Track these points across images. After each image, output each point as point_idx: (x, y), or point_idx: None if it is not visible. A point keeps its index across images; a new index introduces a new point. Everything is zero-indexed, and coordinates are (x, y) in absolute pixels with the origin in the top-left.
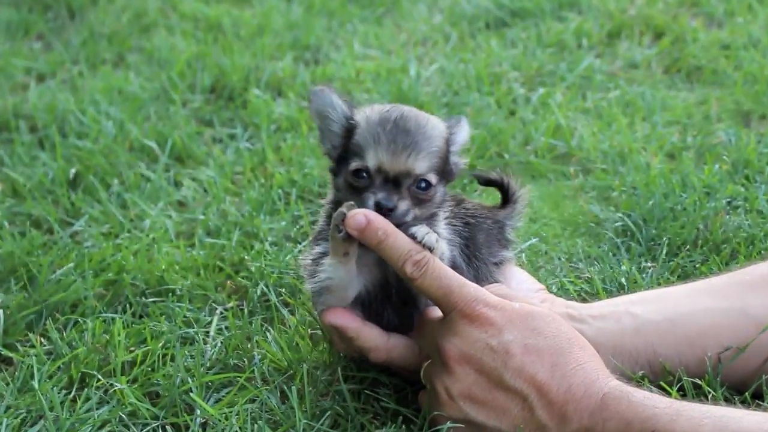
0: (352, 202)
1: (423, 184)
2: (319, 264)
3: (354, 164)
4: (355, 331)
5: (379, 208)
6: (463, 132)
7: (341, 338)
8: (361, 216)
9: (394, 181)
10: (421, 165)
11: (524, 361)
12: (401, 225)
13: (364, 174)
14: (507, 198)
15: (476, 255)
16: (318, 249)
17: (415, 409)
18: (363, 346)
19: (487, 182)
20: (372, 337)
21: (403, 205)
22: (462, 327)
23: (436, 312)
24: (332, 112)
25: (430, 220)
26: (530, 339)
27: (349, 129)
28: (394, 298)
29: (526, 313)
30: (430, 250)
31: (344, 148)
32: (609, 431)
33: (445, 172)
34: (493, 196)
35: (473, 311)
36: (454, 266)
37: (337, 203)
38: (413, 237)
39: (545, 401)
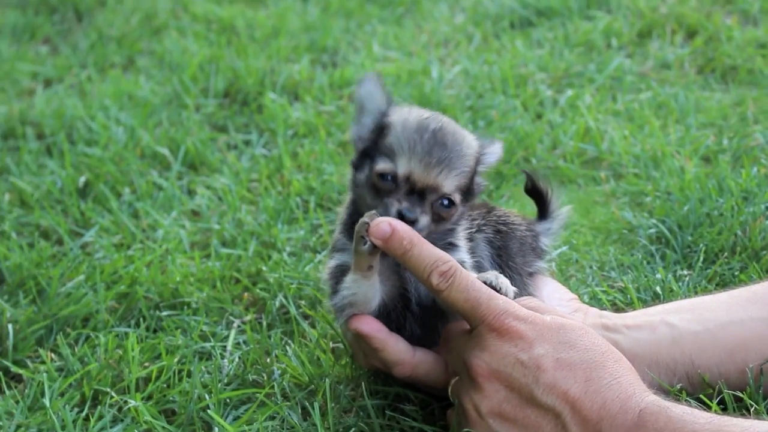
0: (374, 212)
1: (446, 202)
2: (339, 279)
3: (382, 165)
4: (381, 341)
5: (401, 218)
6: (495, 155)
7: (366, 349)
8: (386, 225)
9: (419, 193)
10: (450, 183)
11: (556, 376)
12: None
13: (390, 178)
14: (544, 214)
15: (509, 265)
16: (334, 261)
17: (442, 426)
18: (388, 359)
19: (533, 189)
20: (398, 350)
21: (424, 220)
22: (491, 341)
23: (463, 325)
24: (369, 103)
25: (448, 230)
26: (562, 353)
27: (381, 126)
28: (414, 308)
29: (558, 325)
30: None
31: (373, 144)
32: None
33: (469, 191)
34: (520, 205)
35: (502, 324)
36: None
37: (354, 206)
38: (490, 284)
39: (579, 418)
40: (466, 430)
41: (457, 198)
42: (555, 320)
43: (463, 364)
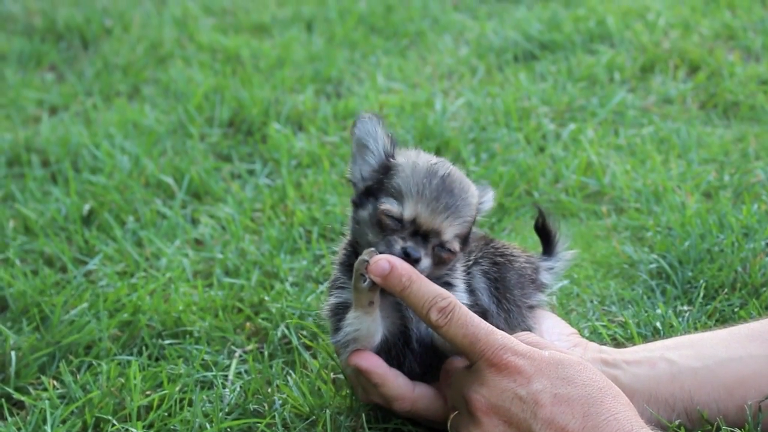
0: (372, 249)
1: (449, 248)
2: (340, 316)
3: (388, 205)
4: (381, 377)
5: (406, 256)
6: (489, 202)
7: (366, 384)
8: (384, 262)
9: (423, 236)
10: (453, 231)
11: (554, 411)
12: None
13: (396, 218)
14: (549, 252)
15: (507, 297)
16: (334, 299)
17: None
18: (388, 394)
19: (542, 227)
20: (397, 386)
21: (426, 262)
22: (489, 376)
23: (463, 361)
24: (372, 143)
25: (446, 272)
26: (560, 388)
27: (387, 167)
28: (414, 345)
29: (557, 361)
30: None
31: (378, 184)
32: None
33: (466, 239)
34: (522, 238)
35: (501, 360)
36: (483, 310)
37: (353, 245)
38: None
39: None
40: None
41: (456, 246)
42: (553, 355)
43: (463, 398)
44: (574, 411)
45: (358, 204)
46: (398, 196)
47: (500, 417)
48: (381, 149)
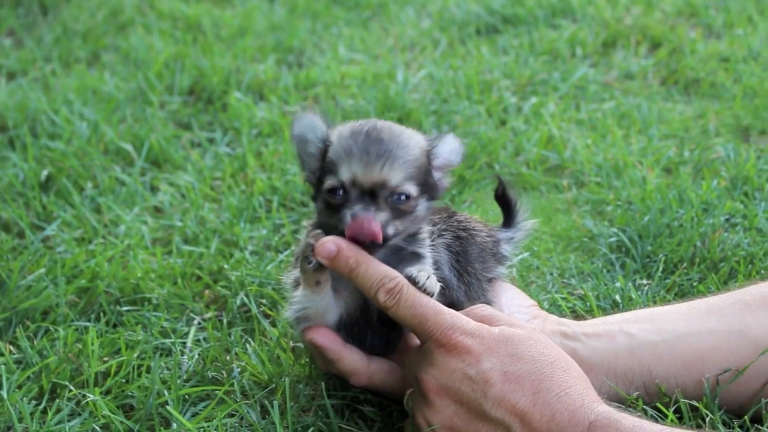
0: (319, 231)
1: (402, 196)
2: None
3: (328, 182)
4: (335, 352)
5: (357, 221)
6: (447, 146)
7: (322, 359)
8: (330, 244)
9: (370, 194)
10: (397, 174)
11: (504, 389)
12: (399, 264)
13: (340, 191)
14: (509, 222)
15: (468, 270)
16: (296, 273)
17: (399, 428)
18: (343, 369)
19: (502, 197)
20: (352, 361)
21: (383, 216)
22: (438, 357)
23: (416, 340)
24: (311, 135)
25: (413, 237)
26: (510, 366)
27: (325, 150)
28: (374, 321)
29: (506, 338)
30: (431, 295)
31: (320, 170)
32: None
33: (427, 185)
34: (483, 210)
35: (449, 340)
36: (444, 282)
37: (320, 227)
38: (413, 281)
39: (529, 430)
40: None
41: (411, 189)
42: (503, 332)
43: (415, 379)
44: (524, 388)
45: (315, 198)
46: (334, 168)
47: (451, 397)
48: (318, 136)
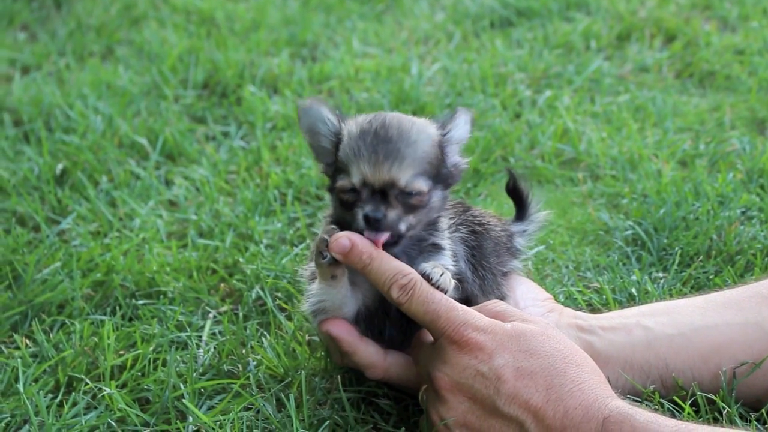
0: (333, 226)
1: (413, 193)
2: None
3: (340, 182)
4: (351, 345)
5: (368, 221)
6: (460, 128)
7: (338, 352)
8: (345, 239)
9: (381, 193)
10: (406, 174)
11: (517, 386)
12: (419, 255)
13: (351, 191)
14: (522, 215)
15: (483, 264)
16: (313, 266)
17: (415, 422)
18: (359, 362)
19: (513, 189)
20: (368, 354)
21: (393, 214)
22: (451, 354)
23: (429, 336)
24: (322, 127)
25: (431, 228)
26: (522, 362)
27: (337, 143)
28: (393, 313)
29: (519, 333)
30: (444, 292)
31: (334, 164)
32: None
33: (441, 175)
34: (498, 203)
35: (462, 337)
36: (460, 276)
37: (335, 219)
38: (427, 278)
39: (542, 427)
40: None
41: (421, 185)
42: (516, 328)
43: (428, 376)
44: (537, 384)
45: (331, 190)
46: (345, 169)
47: (464, 394)
48: (330, 129)
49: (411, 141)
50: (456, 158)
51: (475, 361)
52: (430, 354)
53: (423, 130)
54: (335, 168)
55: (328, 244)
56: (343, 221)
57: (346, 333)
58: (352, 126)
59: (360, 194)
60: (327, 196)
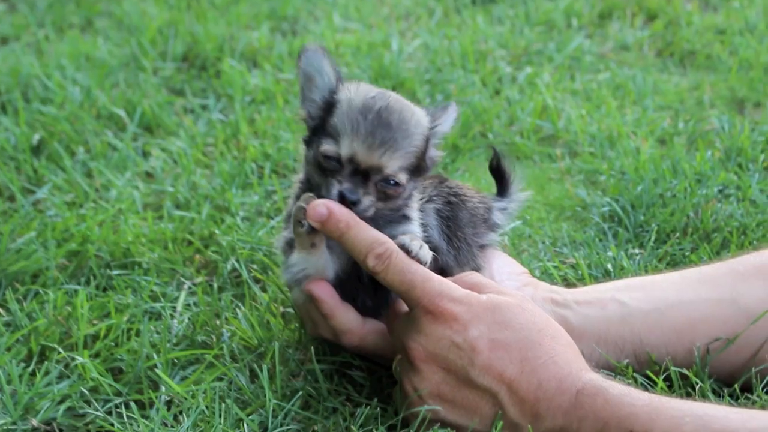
0: (311, 194)
1: (392, 182)
2: (289, 255)
3: (326, 147)
4: (331, 307)
5: (342, 199)
6: (448, 123)
7: (316, 315)
8: (322, 207)
9: (363, 174)
10: (394, 164)
11: (491, 357)
12: (386, 225)
13: (335, 161)
14: (503, 193)
15: (457, 235)
16: (287, 233)
17: (388, 394)
18: (337, 326)
19: (497, 168)
20: (348, 319)
21: (367, 201)
22: (426, 324)
23: (404, 306)
24: (318, 79)
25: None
26: (497, 333)
27: (330, 103)
28: (365, 280)
29: (494, 305)
30: (423, 264)
31: (321, 123)
32: (584, 431)
33: (419, 168)
34: (475, 178)
35: (437, 307)
36: (434, 247)
37: (308, 182)
38: (406, 249)
39: (516, 398)
40: (408, 410)
41: (402, 178)
42: (491, 299)
43: (402, 346)
44: (511, 356)
45: (308, 143)
46: (335, 135)
47: (438, 365)
48: (326, 85)
49: (408, 133)
50: (434, 151)
51: (449, 331)
52: (405, 324)
53: (419, 122)
54: (323, 128)
55: (305, 211)
56: (312, 179)
57: (328, 295)
58: (353, 94)
59: (342, 167)
60: (300, 148)
